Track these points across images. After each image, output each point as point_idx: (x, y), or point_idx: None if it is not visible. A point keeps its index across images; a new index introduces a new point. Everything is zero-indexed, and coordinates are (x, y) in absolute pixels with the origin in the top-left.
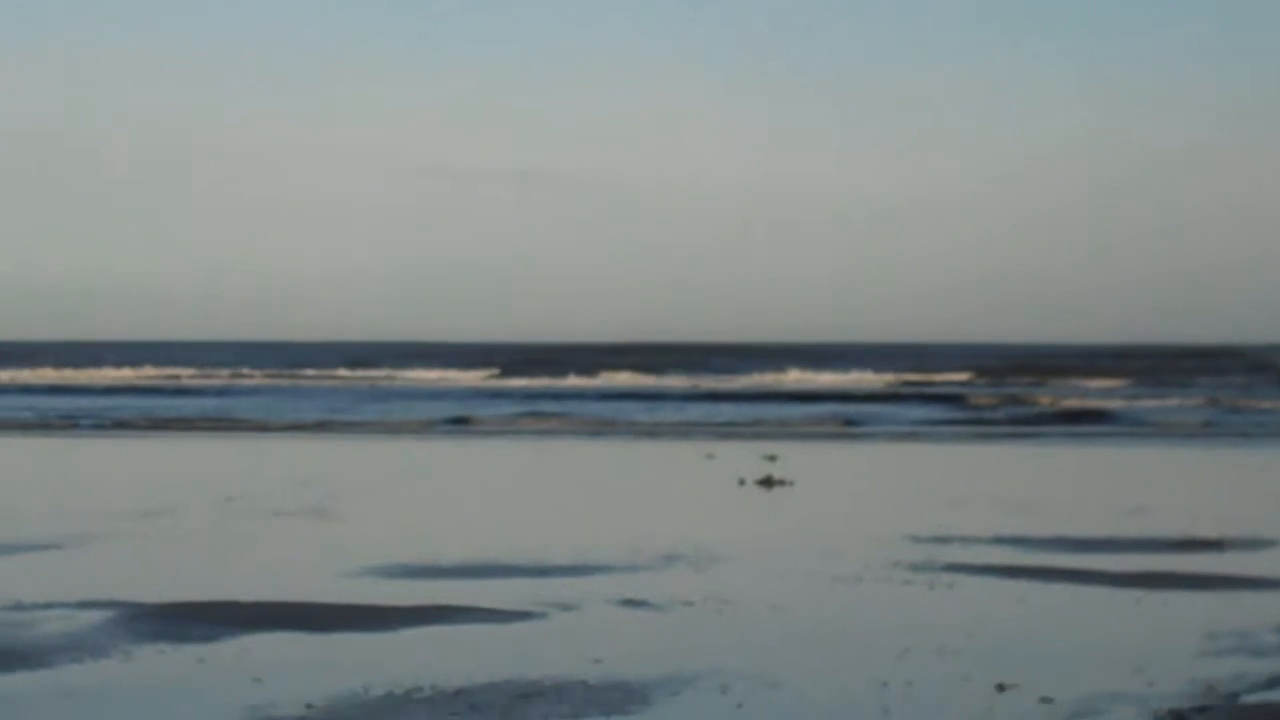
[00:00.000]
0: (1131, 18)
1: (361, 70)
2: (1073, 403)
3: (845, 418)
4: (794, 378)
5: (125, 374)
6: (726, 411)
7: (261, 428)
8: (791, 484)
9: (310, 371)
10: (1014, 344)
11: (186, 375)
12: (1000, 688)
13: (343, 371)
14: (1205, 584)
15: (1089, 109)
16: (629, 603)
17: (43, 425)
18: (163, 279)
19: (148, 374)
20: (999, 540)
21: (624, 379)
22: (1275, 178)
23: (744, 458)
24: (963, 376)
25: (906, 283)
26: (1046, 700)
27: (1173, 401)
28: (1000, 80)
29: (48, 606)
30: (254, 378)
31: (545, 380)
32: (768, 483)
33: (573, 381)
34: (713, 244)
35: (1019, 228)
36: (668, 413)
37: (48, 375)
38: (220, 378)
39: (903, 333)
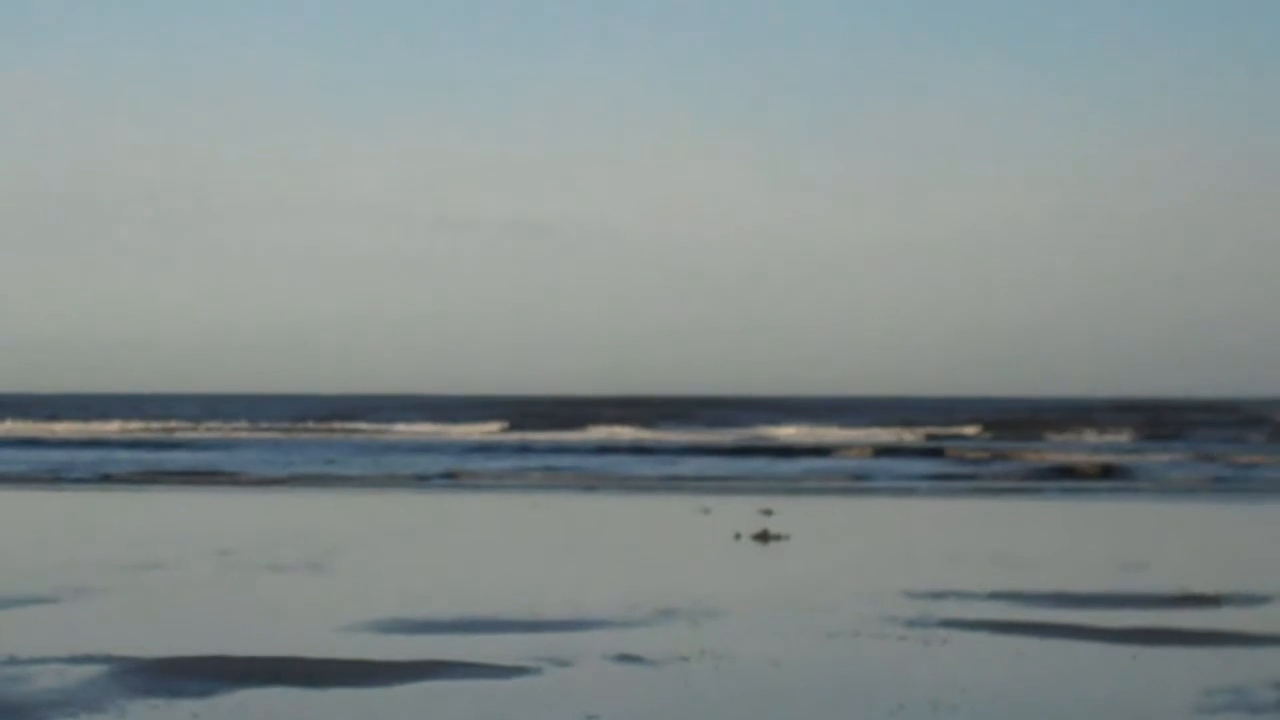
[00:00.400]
0: (1140, 54)
1: (362, 122)
2: (1078, 457)
3: (847, 473)
4: (791, 432)
5: (118, 427)
6: (723, 466)
7: (256, 481)
8: (788, 538)
9: (309, 424)
10: (1016, 397)
11: (181, 428)
12: None
13: (337, 424)
14: (1202, 640)
15: (1093, 150)
16: (624, 658)
17: (34, 478)
18: (157, 331)
19: (141, 427)
20: (995, 596)
21: (620, 432)
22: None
23: (740, 512)
24: (969, 430)
25: (906, 333)
26: None
27: (1167, 457)
28: (1002, 120)
29: (41, 661)
30: (249, 430)
31: (542, 434)
32: (764, 537)
33: (569, 435)
34: (712, 294)
35: (1021, 275)
36: (663, 467)
37: (35, 428)
38: (215, 430)
39: (903, 386)
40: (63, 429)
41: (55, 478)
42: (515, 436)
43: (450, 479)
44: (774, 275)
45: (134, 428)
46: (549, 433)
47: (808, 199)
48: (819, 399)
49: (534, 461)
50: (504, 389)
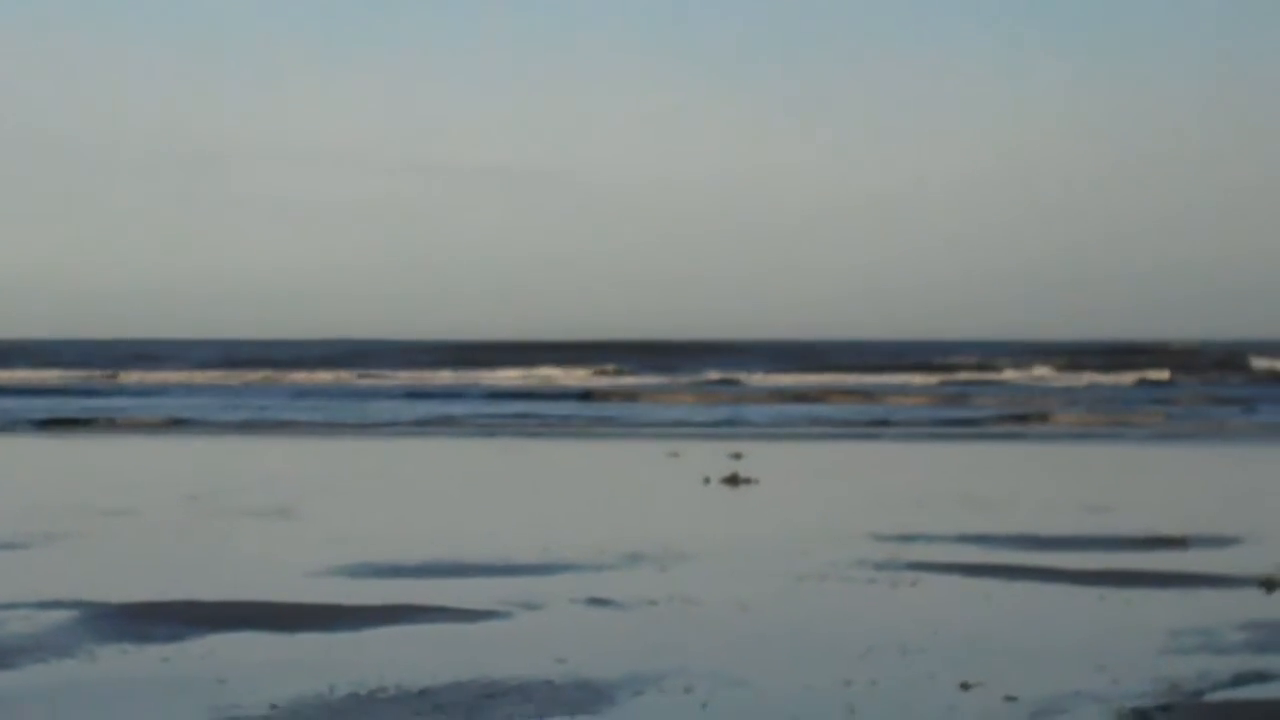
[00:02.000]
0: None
1: (337, 69)
2: (1039, 403)
3: (814, 418)
4: (760, 379)
5: (100, 374)
6: (697, 412)
7: (220, 428)
8: (757, 482)
9: (283, 371)
10: (995, 340)
11: (162, 374)
12: (964, 686)
13: (322, 373)
14: (1168, 582)
15: (1078, 101)
16: (594, 602)
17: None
18: (140, 276)
19: (123, 374)
20: (963, 539)
21: (587, 377)
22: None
23: (709, 456)
24: (931, 379)
25: (884, 280)
26: (1011, 699)
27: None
28: (989, 73)
29: (10, 607)
30: (218, 377)
31: (512, 373)
32: (733, 481)
33: (542, 374)
34: (690, 241)
35: (1001, 223)
36: (632, 411)
37: (12, 375)
38: (182, 377)
39: (876, 330)
40: (35, 375)
41: (40, 422)
42: (489, 377)
43: (426, 424)
44: (755, 221)
45: (105, 374)
46: (524, 372)
47: (788, 145)
48: (796, 342)
49: (512, 408)
50: (479, 335)
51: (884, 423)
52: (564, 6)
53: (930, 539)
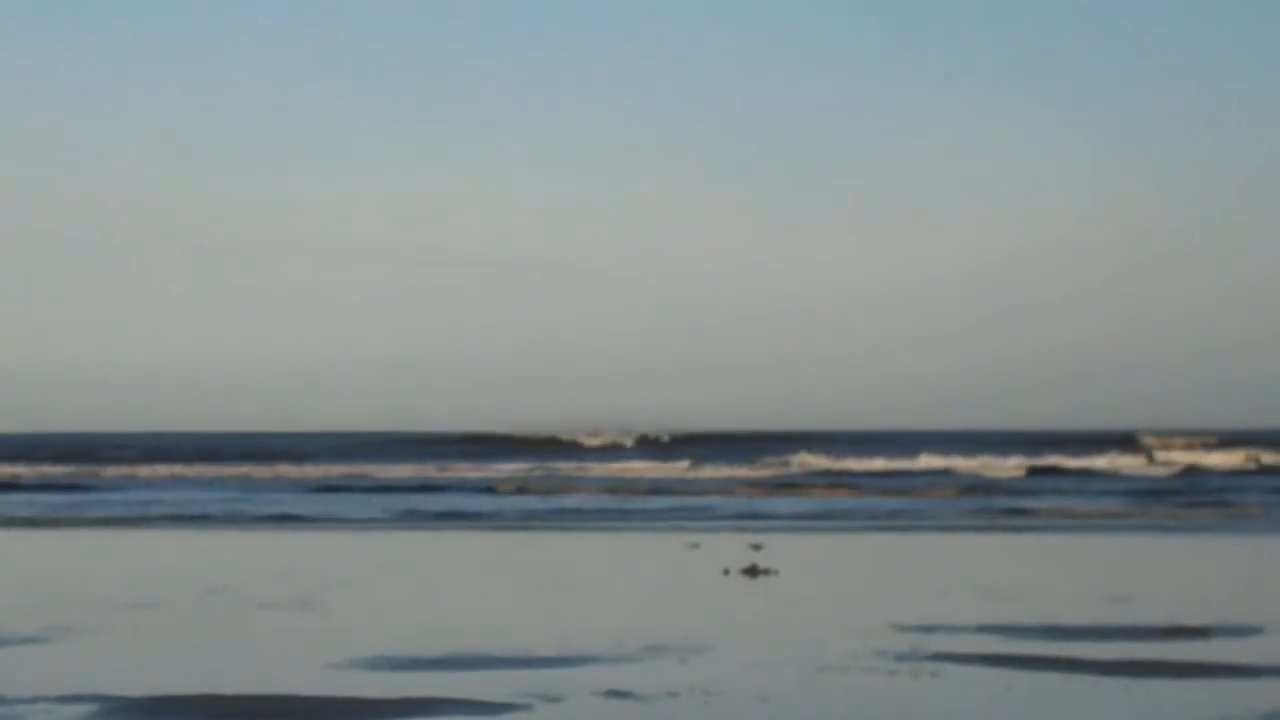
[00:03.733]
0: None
1: (353, 162)
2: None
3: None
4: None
5: (114, 469)
6: (719, 504)
7: (239, 520)
8: (777, 573)
9: (290, 465)
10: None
11: (174, 468)
12: None
13: (338, 468)
14: (1191, 672)
15: (1097, 188)
16: (614, 694)
17: (28, 521)
18: (148, 369)
19: (136, 468)
20: (985, 629)
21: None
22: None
23: (729, 547)
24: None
25: (891, 369)
26: None
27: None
28: (997, 158)
29: (31, 701)
30: (235, 470)
31: (523, 466)
32: (752, 572)
33: (553, 467)
34: (702, 330)
35: (1009, 312)
36: (650, 503)
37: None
38: (200, 469)
39: (884, 421)
40: (47, 470)
41: (53, 519)
42: (507, 469)
43: (446, 517)
44: (765, 310)
45: (119, 469)
46: (530, 465)
47: (799, 233)
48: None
49: (528, 504)
50: (491, 427)
51: (904, 514)
52: (594, 100)
53: (952, 629)
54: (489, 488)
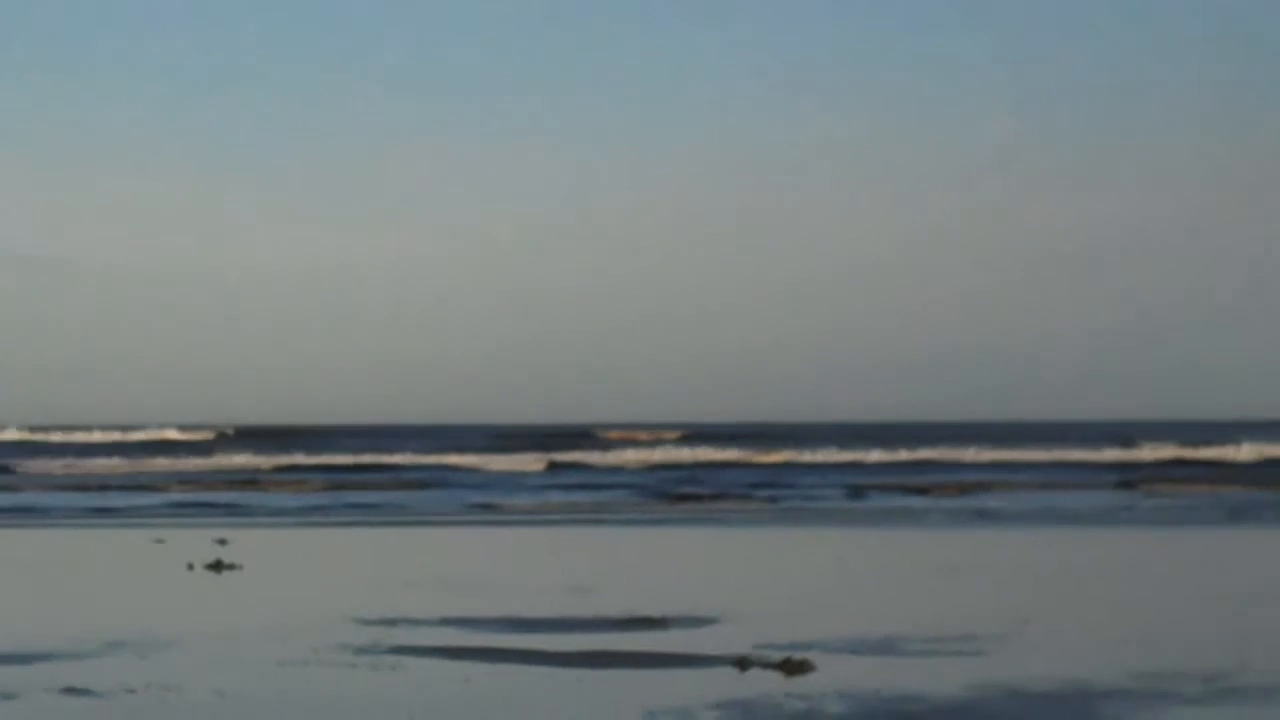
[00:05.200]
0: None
1: None
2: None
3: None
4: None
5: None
6: (185, 499)
7: None
8: (241, 568)
9: None
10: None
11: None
12: None
13: None
14: (647, 662)
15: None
16: (70, 690)
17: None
18: None
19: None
20: (447, 621)
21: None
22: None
23: (195, 542)
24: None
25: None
26: None
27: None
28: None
29: None
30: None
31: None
32: (217, 567)
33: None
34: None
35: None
36: (116, 500)
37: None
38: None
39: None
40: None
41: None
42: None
43: None
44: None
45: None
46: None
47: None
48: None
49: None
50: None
51: (381, 508)
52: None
53: (414, 622)
54: None
